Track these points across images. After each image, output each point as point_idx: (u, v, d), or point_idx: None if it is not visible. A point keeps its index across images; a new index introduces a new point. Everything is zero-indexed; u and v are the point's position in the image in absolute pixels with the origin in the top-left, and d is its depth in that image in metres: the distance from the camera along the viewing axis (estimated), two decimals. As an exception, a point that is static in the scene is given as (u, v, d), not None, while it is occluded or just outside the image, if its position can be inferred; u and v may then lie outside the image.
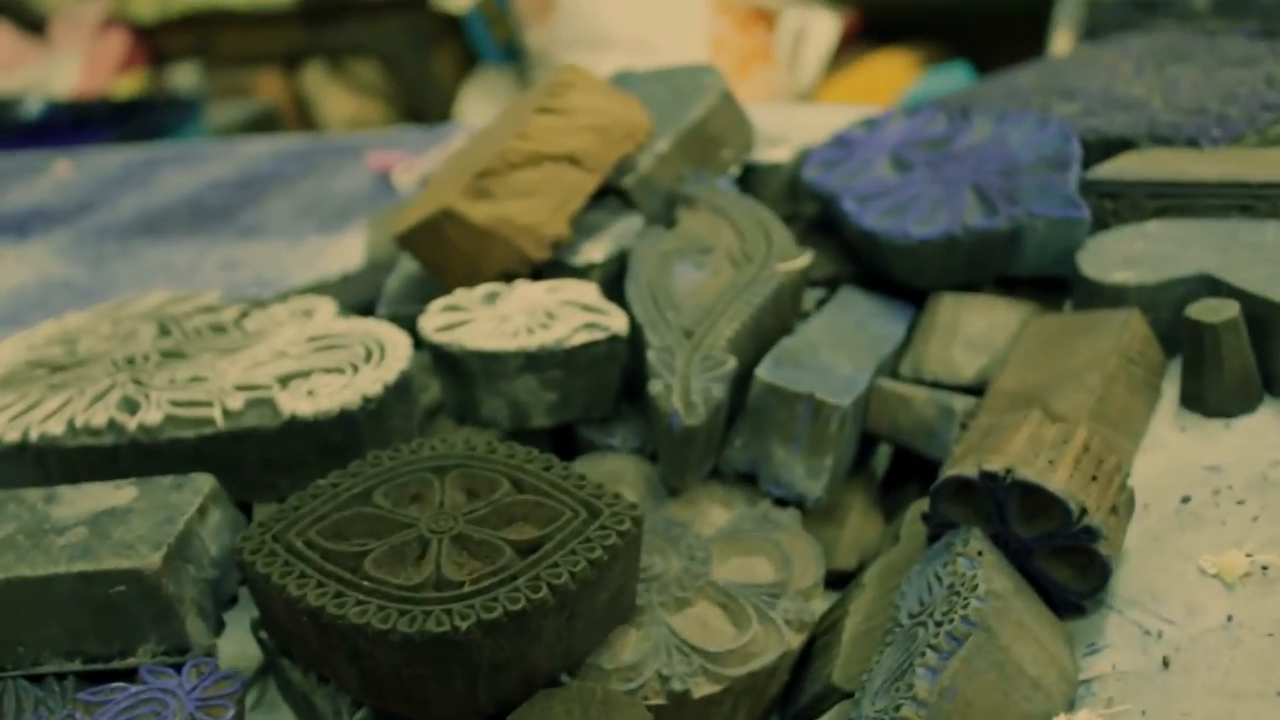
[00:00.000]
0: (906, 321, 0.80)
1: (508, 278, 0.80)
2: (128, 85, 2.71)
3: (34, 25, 2.79)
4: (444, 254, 0.81)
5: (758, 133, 0.97)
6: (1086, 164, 0.86)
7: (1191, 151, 0.84)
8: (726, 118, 0.94)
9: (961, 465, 0.59)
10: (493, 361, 0.70)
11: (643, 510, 0.58)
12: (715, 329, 0.71)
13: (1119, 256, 0.76)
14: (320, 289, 0.94)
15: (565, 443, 0.75)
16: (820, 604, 0.63)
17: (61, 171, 1.58)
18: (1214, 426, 0.68)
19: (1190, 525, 0.62)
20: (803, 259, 0.78)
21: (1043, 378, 0.69)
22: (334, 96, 2.65)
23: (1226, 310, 0.67)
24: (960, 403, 0.69)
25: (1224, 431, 0.68)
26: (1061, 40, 1.61)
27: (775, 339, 0.74)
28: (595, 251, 0.82)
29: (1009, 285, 0.82)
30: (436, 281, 0.84)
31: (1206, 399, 0.69)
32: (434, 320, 0.73)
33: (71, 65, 2.66)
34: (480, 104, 2.42)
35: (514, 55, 2.43)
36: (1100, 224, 0.82)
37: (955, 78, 1.91)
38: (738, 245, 0.79)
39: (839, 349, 0.73)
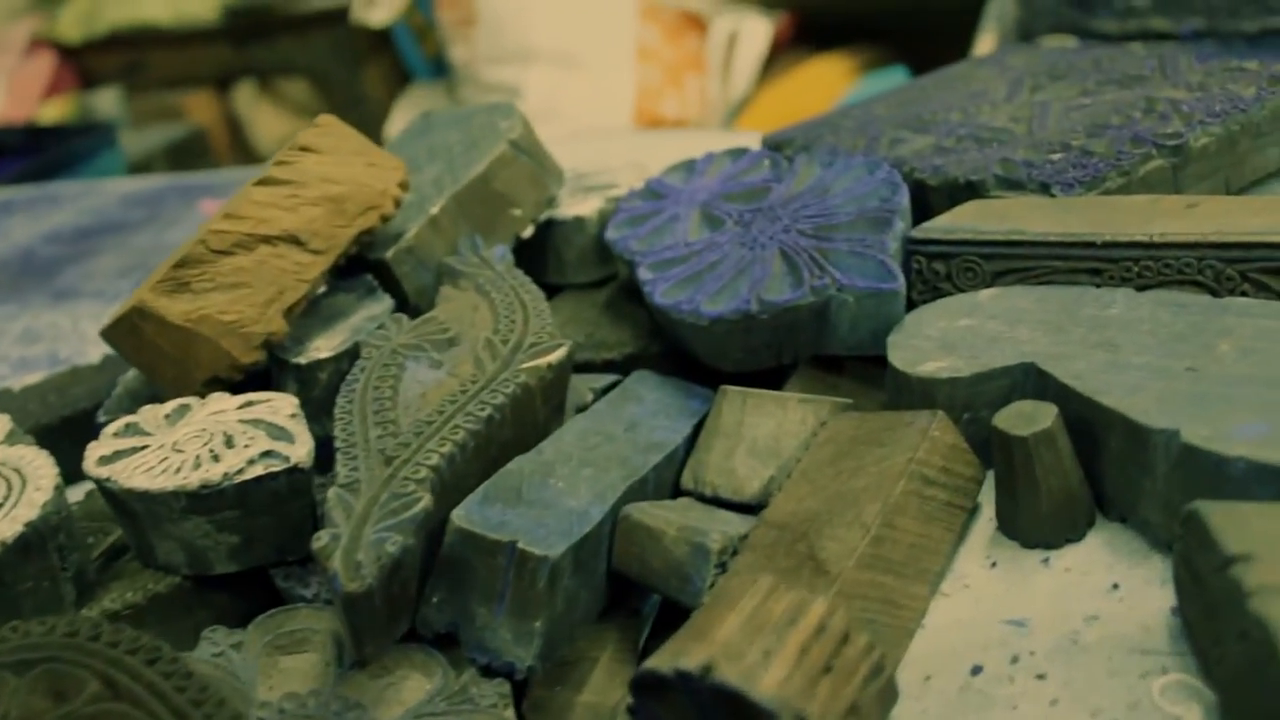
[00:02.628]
0: (697, 418, 0.67)
1: (222, 383, 0.67)
2: (54, 110, 2.60)
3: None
4: (148, 355, 0.68)
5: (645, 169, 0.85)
6: (931, 213, 0.73)
7: (1041, 200, 0.70)
8: (518, 170, 0.80)
9: (662, 654, 0.46)
10: (152, 502, 0.58)
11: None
12: (421, 453, 0.58)
13: (936, 338, 0.62)
14: (40, 387, 0.81)
15: (264, 590, 0.62)
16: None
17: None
18: (1030, 561, 0.55)
19: (975, 708, 0.48)
20: (556, 353, 0.64)
21: (819, 505, 0.56)
22: (265, 117, 2.53)
23: (1041, 418, 0.54)
24: (719, 539, 0.56)
25: (1040, 569, 0.54)
26: (985, 43, 1.46)
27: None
28: (324, 346, 0.69)
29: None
30: (153, 385, 0.71)
31: (1020, 526, 0.55)
32: (101, 448, 0.61)
33: (-5, 89, 2.56)
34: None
35: (444, 71, 2.30)
36: (935, 291, 0.69)
37: (893, 82, 1.77)
38: (490, 335, 0.66)
39: (586, 467, 0.60)
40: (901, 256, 0.68)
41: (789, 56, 2.00)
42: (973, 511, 0.58)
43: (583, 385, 0.71)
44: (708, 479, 0.63)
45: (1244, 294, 0.61)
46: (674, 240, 0.74)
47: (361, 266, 0.77)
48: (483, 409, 0.60)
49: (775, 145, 0.87)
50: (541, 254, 0.84)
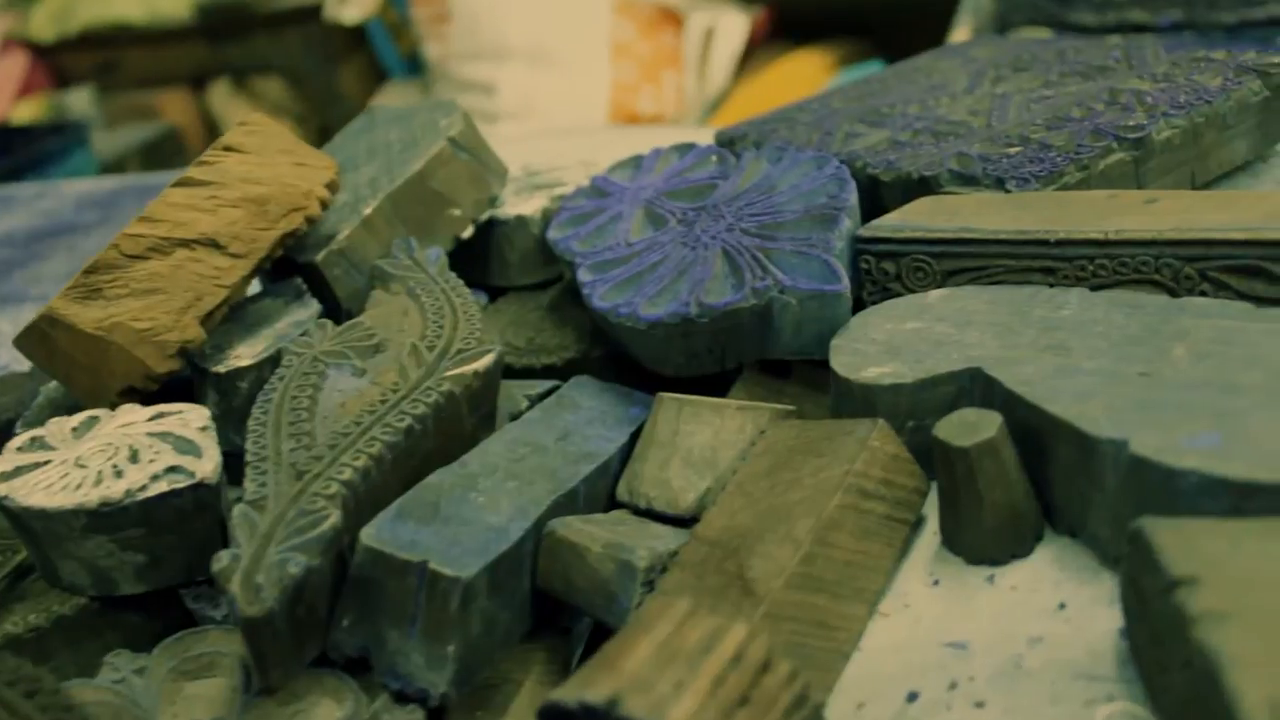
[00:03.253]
0: (635, 425, 0.64)
1: (140, 393, 0.64)
2: (28, 110, 2.57)
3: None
4: (62, 365, 0.65)
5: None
6: (884, 210, 0.70)
7: (995, 196, 0.67)
8: (457, 168, 0.77)
9: (569, 684, 0.43)
10: (51, 521, 0.55)
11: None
12: (334, 467, 0.55)
13: (881, 342, 0.59)
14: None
15: (177, 610, 0.59)
16: None
17: None
18: (974, 578, 0.52)
19: (910, 739, 0.45)
20: (483, 360, 0.61)
21: (752, 520, 0.53)
22: (240, 116, 2.49)
23: (984, 428, 0.51)
24: (645, 556, 0.53)
25: (984, 587, 0.51)
26: (960, 36, 1.43)
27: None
28: (245, 353, 0.66)
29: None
30: (72, 395, 0.68)
31: (964, 541, 0.52)
32: (2, 463, 0.58)
33: (-34, 92, 2.52)
34: (385, 121, 2.26)
35: (419, 69, 2.27)
36: (885, 292, 0.66)
37: (870, 76, 1.73)
38: (417, 342, 0.63)
39: (511, 480, 0.57)
40: (849, 256, 0.65)
41: (766, 51, 1.96)
42: (917, 525, 0.55)
43: (518, 392, 0.68)
44: (642, 490, 0.60)
45: (1203, 293, 0.58)
46: (615, 240, 0.71)
47: (292, 269, 0.74)
48: (402, 420, 0.57)
49: (728, 140, 0.84)
50: (485, 255, 0.81)
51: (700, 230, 0.69)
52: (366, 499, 0.55)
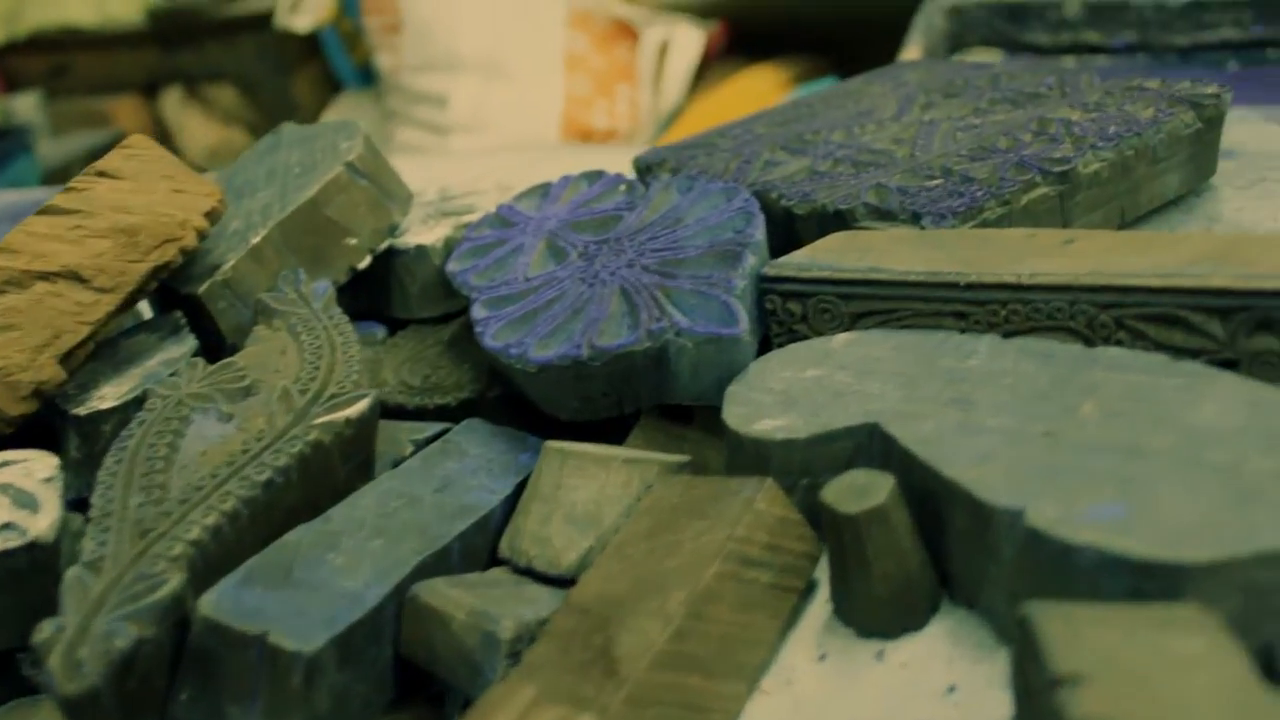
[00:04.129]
0: (524, 475, 0.60)
1: (-10, 435, 0.60)
2: (-24, 115, 2.51)
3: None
4: (-90, 408, 0.61)
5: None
6: (800, 245, 0.66)
7: (910, 233, 0.63)
8: (355, 195, 0.73)
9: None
10: None
11: None
12: (182, 524, 0.50)
13: (778, 391, 0.56)
14: None
15: (14, 677, 0.55)
16: None
17: None
18: (863, 653, 0.48)
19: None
20: (357, 406, 0.57)
21: (626, 587, 0.49)
22: (194, 124, 2.45)
23: (874, 492, 0.47)
24: (511, 626, 0.49)
25: (873, 664, 0.47)
26: (910, 55, 1.40)
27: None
28: (110, 394, 0.62)
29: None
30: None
31: (854, 613, 0.49)
32: None
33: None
34: (338, 132, 2.22)
35: (373, 79, 2.22)
36: (791, 334, 0.62)
37: (826, 93, 1.70)
38: (289, 384, 0.59)
39: (377, 538, 0.53)
40: (753, 296, 0.61)
41: (722, 67, 1.93)
42: (809, 590, 0.52)
43: (404, 436, 0.64)
44: (523, 548, 0.56)
45: (1119, 343, 0.54)
46: (514, 274, 0.67)
47: (178, 301, 0.69)
48: (262, 472, 0.53)
49: (646, 167, 0.81)
50: (385, 286, 0.77)
51: (600, 266, 0.65)
52: (219, 560, 0.51)
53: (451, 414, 0.68)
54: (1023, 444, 0.48)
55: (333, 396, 0.58)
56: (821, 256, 0.62)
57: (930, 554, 0.49)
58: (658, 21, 1.95)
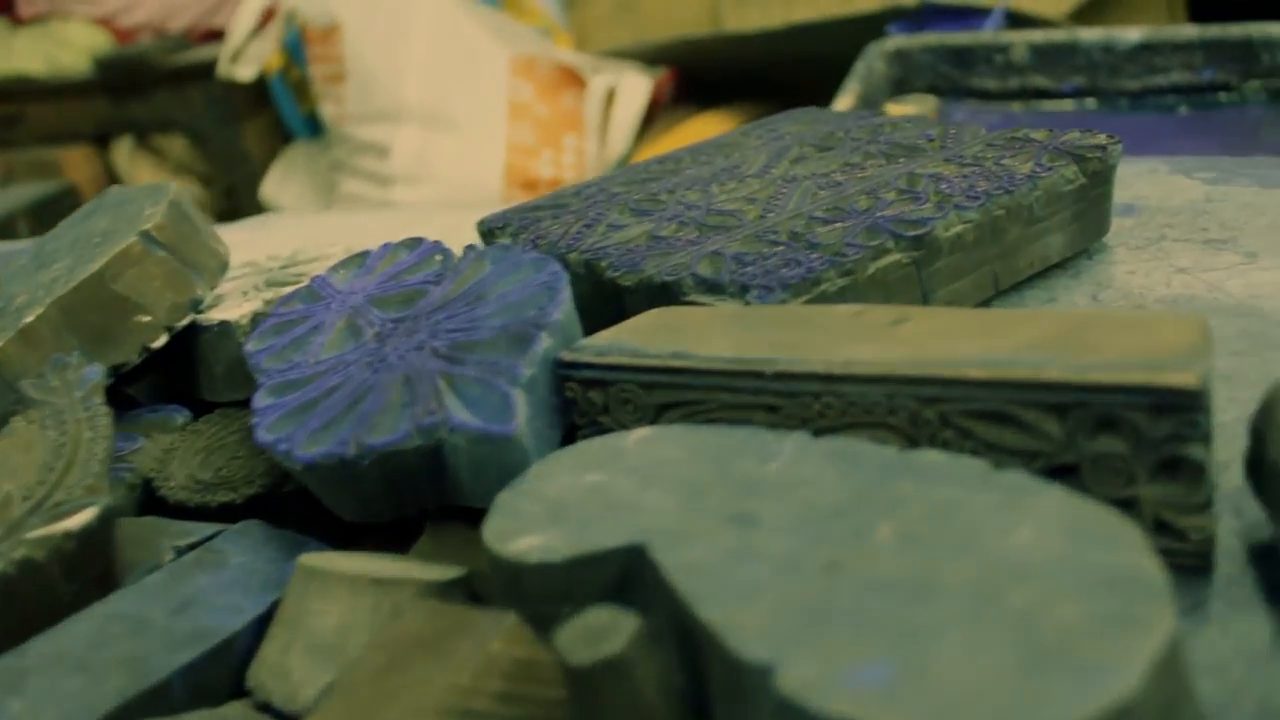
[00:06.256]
0: (282, 591, 0.53)
1: None
2: (-74, 170, 2.47)
3: None
4: None
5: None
6: (624, 317, 0.59)
7: (733, 310, 0.56)
8: (150, 267, 0.66)
9: None
10: None
11: None
12: None
13: (550, 501, 0.48)
14: None
15: None
16: None
17: None
18: (611, 831, 0.40)
19: None
20: (80, 516, 0.50)
21: (337, 746, 0.41)
22: (145, 174, 2.39)
23: (612, 638, 0.39)
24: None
25: (618, 846, 0.39)
26: (844, 103, 1.33)
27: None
28: None
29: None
30: None
31: (603, 780, 0.40)
32: None
33: None
34: (286, 183, 2.16)
35: (321, 129, 2.17)
36: (596, 427, 0.54)
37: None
38: (13, 490, 0.52)
39: (78, 674, 0.45)
40: (549, 384, 0.54)
41: (670, 114, 1.87)
42: (567, 744, 0.43)
43: (168, 542, 0.57)
44: (263, 680, 0.48)
45: (946, 443, 0.46)
46: (305, 357, 0.60)
47: (-68, 388, 0.62)
48: (-56, 599, 0.46)
49: (489, 231, 0.73)
50: (191, 366, 0.69)
51: (390, 348, 0.57)
52: (-128, 710, 0.43)
53: (237, 513, 0.60)
54: (798, 578, 0.40)
55: (56, 505, 0.51)
56: (627, 338, 0.54)
57: (696, 709, 0.41)
58: (604, 69, 1.88)
